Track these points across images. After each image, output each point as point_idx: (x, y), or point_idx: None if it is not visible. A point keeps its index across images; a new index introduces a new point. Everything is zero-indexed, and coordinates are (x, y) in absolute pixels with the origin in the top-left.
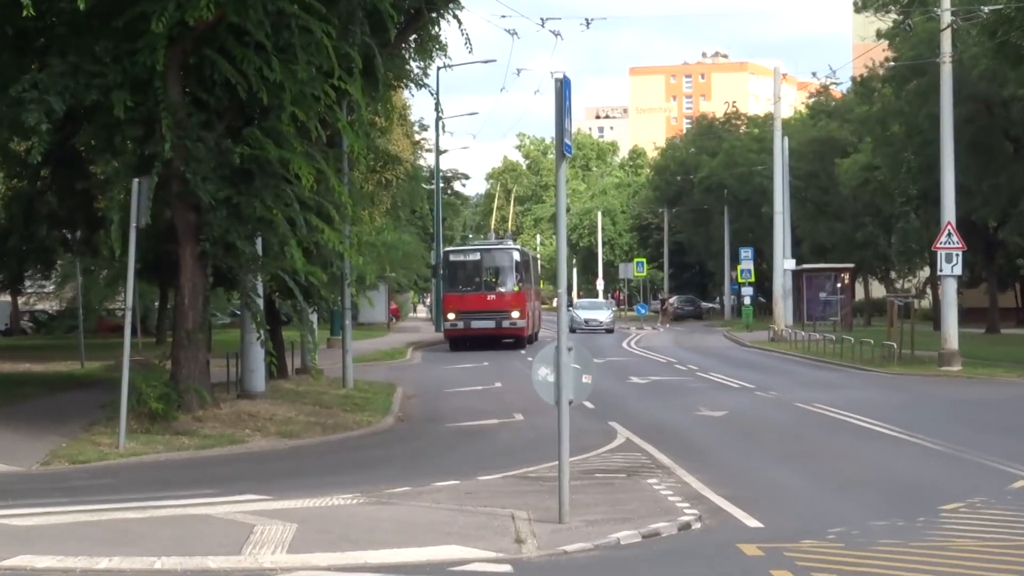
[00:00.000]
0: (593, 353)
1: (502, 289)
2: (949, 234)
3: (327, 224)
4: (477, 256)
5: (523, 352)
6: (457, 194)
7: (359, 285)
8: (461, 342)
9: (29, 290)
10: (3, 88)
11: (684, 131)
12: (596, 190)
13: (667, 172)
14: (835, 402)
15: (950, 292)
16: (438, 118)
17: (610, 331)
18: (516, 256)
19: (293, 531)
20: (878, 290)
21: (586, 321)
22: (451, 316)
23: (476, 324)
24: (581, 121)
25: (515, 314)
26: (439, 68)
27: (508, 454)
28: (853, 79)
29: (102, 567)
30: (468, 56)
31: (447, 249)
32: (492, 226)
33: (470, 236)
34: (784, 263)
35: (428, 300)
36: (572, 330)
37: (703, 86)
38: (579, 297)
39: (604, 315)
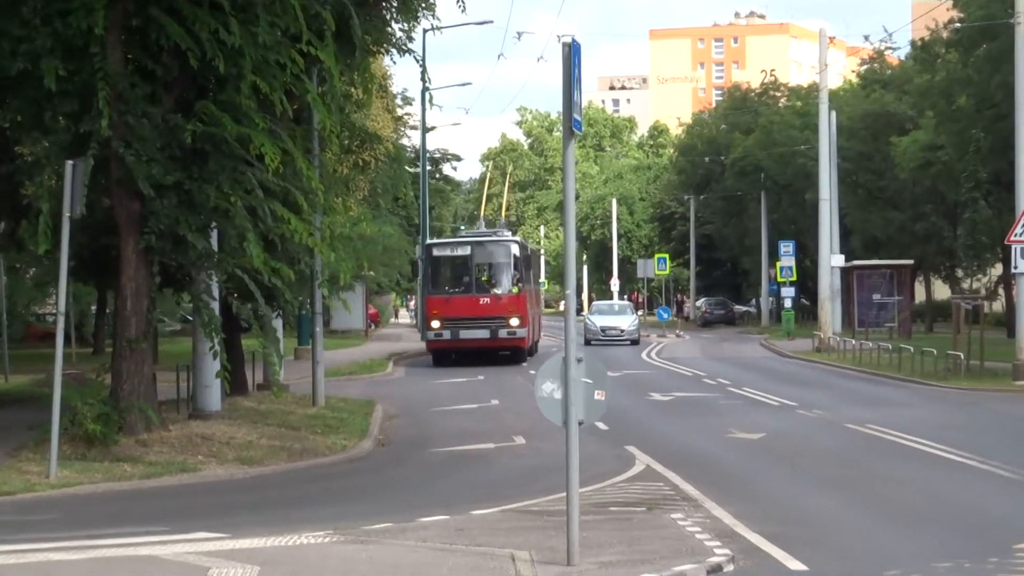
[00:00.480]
0: (607, 365)
1: (498, 290)
2: None
3: (294, 214)
4: (467, 250)
5: (524, 365)
6: (447, 179)
7: (331, 286)
8: (447, 356)
9: None
10: None
11: (714, 104)
12: (610, 174)
13: (694, 152)
14: (891, 422)
15: None
16: (425, 89)
17: (635, 342)
18: (515, 250)
19: (255, 575)
20: (942, 291)
21: (603, 330)
22: (435, 324)
23: (466, 334)
24: (593, 93)
25: (514, 321)
26: (426, 31)
27: (507, 484)
28: (912, 43)
29: None
30: (460, 17)
31: (430, 242)
32: (483, 212)
33: (462, 228)
34: (831, 259)
35: (412, 303)
36: (586, 341)
37: (736, 52)
38: (589, 299)
39: (626, 322)
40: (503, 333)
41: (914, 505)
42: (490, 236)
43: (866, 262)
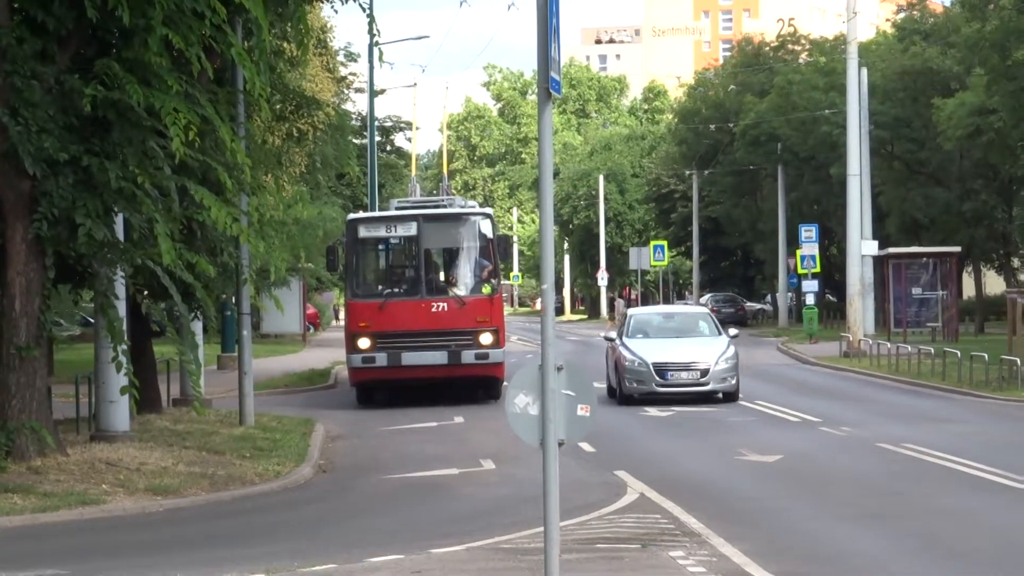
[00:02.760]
0: (591, 373)
1: (461, 291)
2: None
3: (215, 195)
4: (411, 228)
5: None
6: (400, 151)
7: (261, 281)
8: (378, 391)
9: None
10: None
11: (721, 61)
12: (597, 144)
13: (697, 119)
14: (935, 441)
15: None
16: (373, 44)
17: (731, 396)
18: (484, 227)
19: None
20: (995, 283)
21: (661, 372)
22: (362, 344)
23: (411, 359)
24: (575, 48)
25: (486, 338)
26: None
27: (473, 517)
28: None
29: None
30: None
31: (354, 217)
32: (413, 171)
33: (394, 201)
34: (862, 246)
35: None
36: (621, 397)
37: None
38: (573, 297)
39: (710, 352)
40: (469, 357)
41: (963, 541)
42: (447, 207)
43: (904, 249)
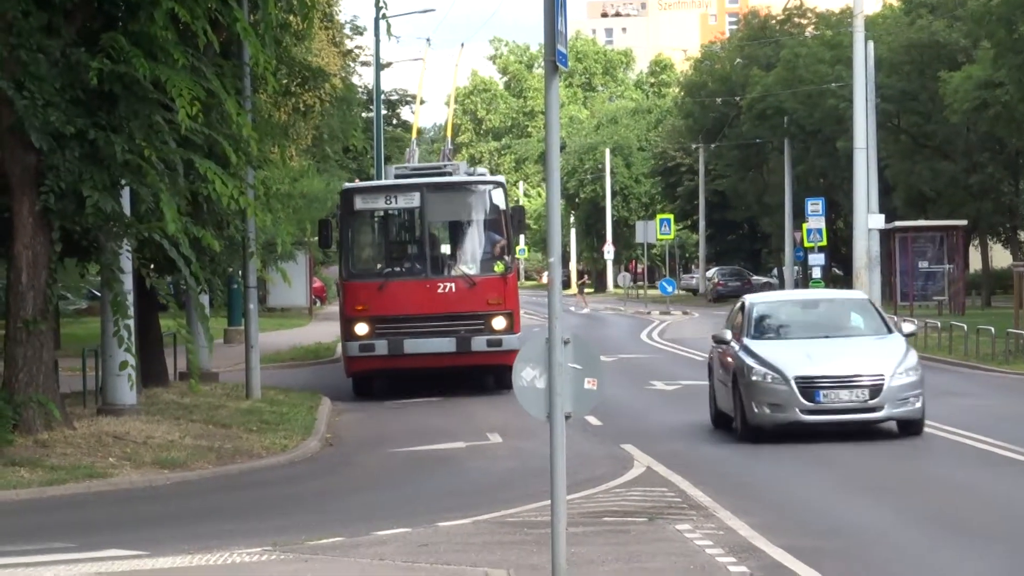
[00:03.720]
0: (600, 347)
1: (470, 269)
2: None
3: (221, 168)
4: (414, 198)
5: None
6: (406, 125)
7: (268, 254)
8: (377, 383)
9: None
10: None
11: (727, 34)
12: (603, 118)
13: (703, 92)
14: (941, 414)
15: None
16: (379, 17)
17: (915, 427)
18: (497, 197)
19: None
20: (1002, 257)
21: (807, 391)
22: (360, 330)
23: (414, 346)
24: (582, 21)
25: (498, 322)
26: None
27: (480, 491)
28: None
29: None
30: None
31: (350, 186)
32: (415, 134)
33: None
34: (869, 220)
35: None
36: (747, 429)
37: None
38: (579, 273)
39: (882, 361)
40: (480, 343)
41: (972, 515)
42: (454, 175)
43: (911, 223)
